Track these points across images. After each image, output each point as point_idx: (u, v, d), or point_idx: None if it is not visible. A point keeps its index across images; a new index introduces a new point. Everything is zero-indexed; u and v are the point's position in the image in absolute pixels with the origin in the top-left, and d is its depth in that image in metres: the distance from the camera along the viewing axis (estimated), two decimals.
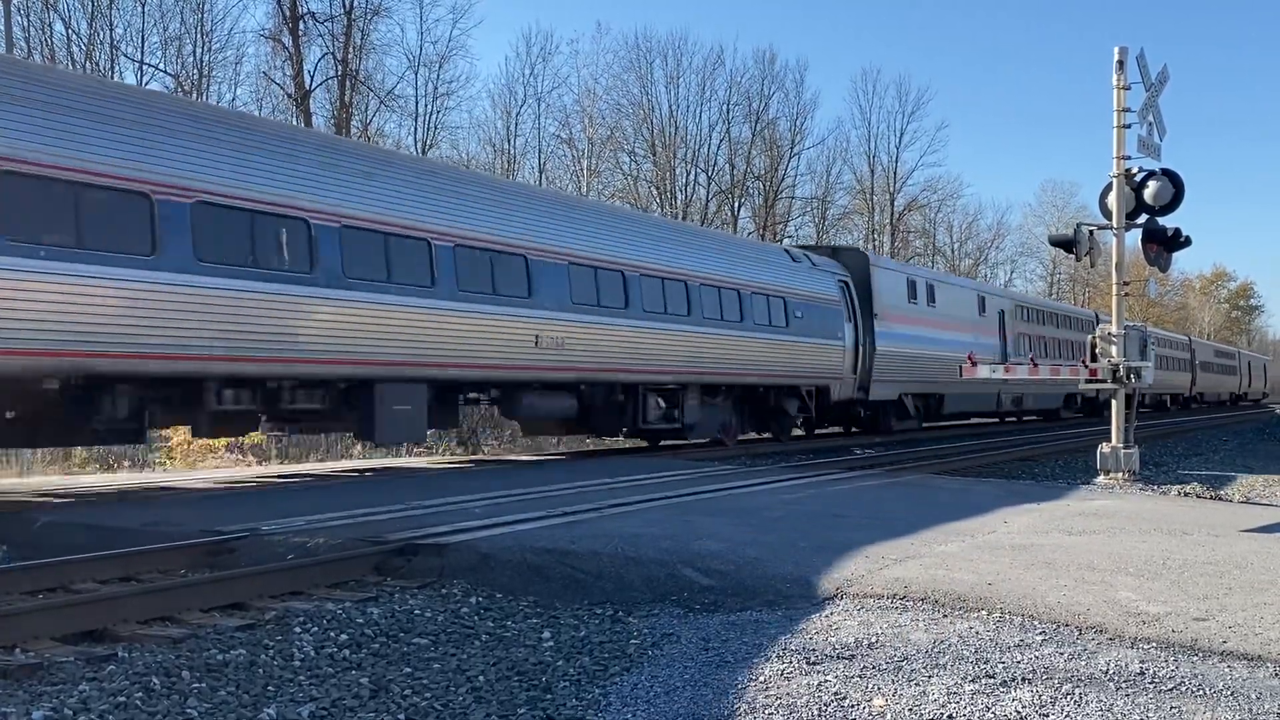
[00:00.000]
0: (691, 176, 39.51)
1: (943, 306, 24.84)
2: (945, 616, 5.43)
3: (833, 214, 47.27)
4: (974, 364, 15.00)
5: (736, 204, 41.10)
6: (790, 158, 43.33)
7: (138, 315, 9.32)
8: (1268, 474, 16.49)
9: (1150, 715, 4.06)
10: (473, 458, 17.43)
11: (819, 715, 4.12)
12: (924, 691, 4.33)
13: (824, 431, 23.38)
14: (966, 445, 21.12)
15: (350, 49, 29.18)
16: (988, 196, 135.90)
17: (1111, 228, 13.55)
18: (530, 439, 19.25)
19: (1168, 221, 13.45)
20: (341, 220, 11.17)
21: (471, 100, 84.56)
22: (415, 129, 33.35)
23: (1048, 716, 4.06)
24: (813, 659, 4.79)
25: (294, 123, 27.96)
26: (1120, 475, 12.67)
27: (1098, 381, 13.24)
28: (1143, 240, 13.78)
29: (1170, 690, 4.32)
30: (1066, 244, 13.97)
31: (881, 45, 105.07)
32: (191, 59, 29.16)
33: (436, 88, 33.60)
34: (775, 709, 4.18)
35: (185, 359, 9.73)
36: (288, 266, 10.65)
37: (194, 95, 28.19)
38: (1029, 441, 23.09)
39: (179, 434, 19.31)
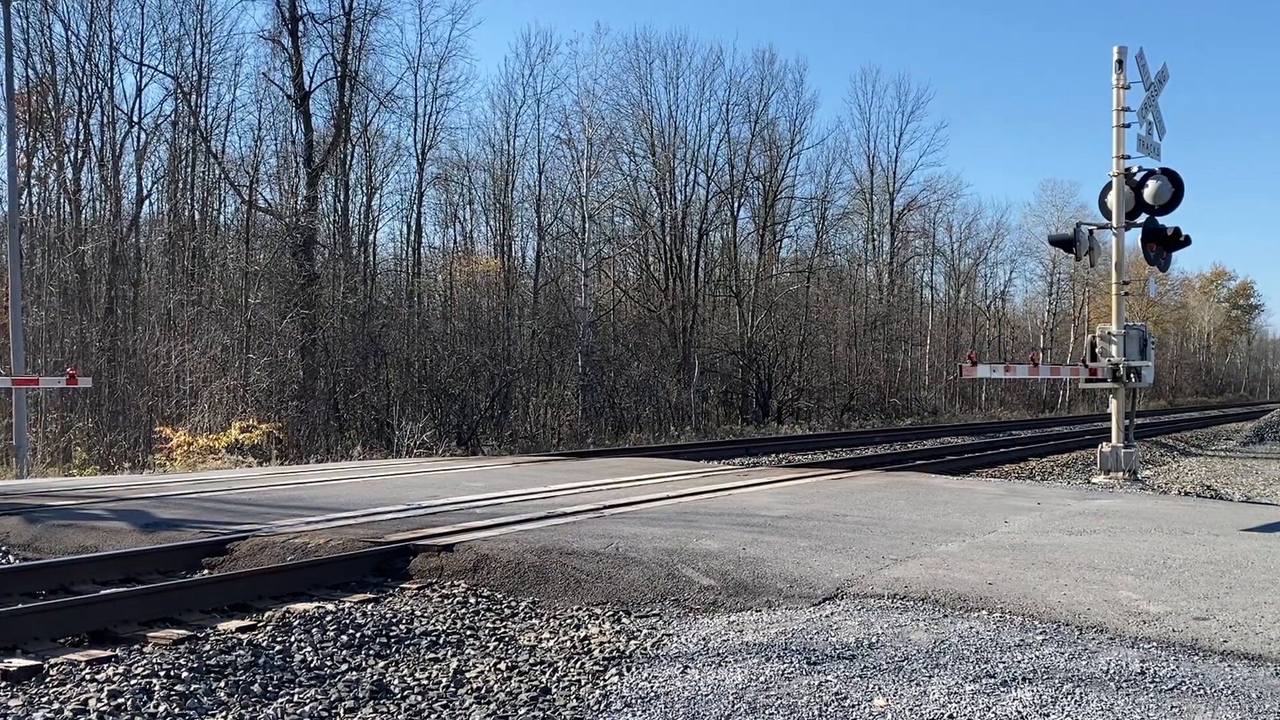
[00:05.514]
0: (691, 177, 39.40)
1: None
2: (946, 616, 5.43)
3: (832, 214, 47.22)
4: (974, 363, 13.42)
5: (736, 204, 41.04)
6: (790, 158, 43.23)
7: None
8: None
9: (1151, 715, 4.05)
10: (472, 458, 17.42)
11: (819, 715, 4.12)
12: (924, 691, 4.33)
13: None
14: (966, 445, 21.12)
15: (350, 50, 29.13)
16: (987, 196, 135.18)
17: (1111, 227, 13.58)
18: (530, 439, 19.17)
19: (1167, 221, 13.48)
20: None
21: (471, 101, 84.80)
22: (415, 130, 33.33)
23: (1048, 716, 4.06)
24: (813, 659, 4.78)
25: (293, 124, 27.97)
26: (1120, 475, 12.68)
27: (1098, 381, 13.26)
28: (1142, 240, 13.79)
29: (1171, 690, 4.31)
30: (1066, 244, 13.98)
31: (881, 45, 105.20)
32: (191, 60, 29.11)
33: (436, 88, 33.56)
34: (776, 709, 4.17)
35: None
36: None
37: (193, 97, 28.20)
38: (1028, 441, 23.09)
39: (179, 435, 19.35)
